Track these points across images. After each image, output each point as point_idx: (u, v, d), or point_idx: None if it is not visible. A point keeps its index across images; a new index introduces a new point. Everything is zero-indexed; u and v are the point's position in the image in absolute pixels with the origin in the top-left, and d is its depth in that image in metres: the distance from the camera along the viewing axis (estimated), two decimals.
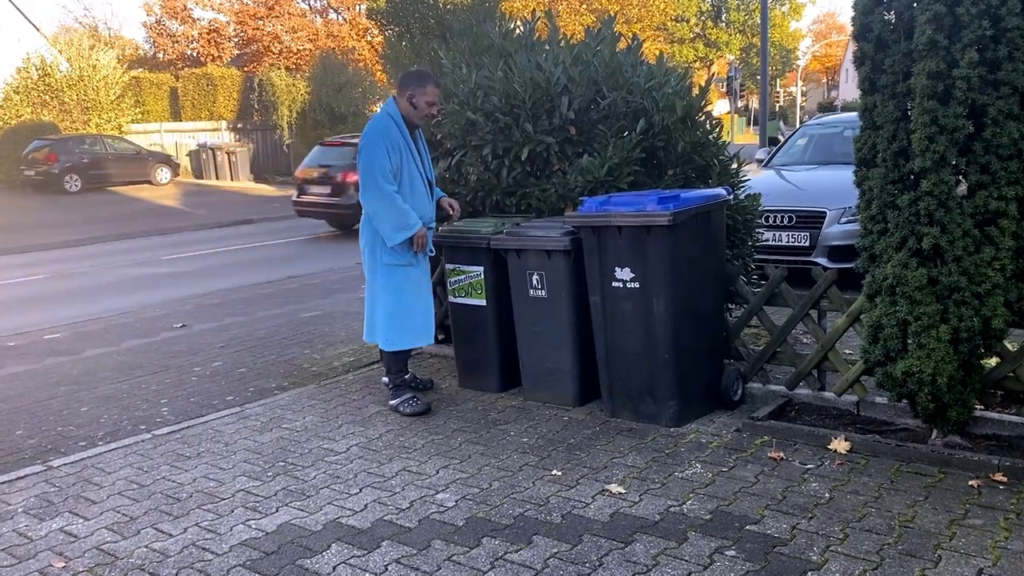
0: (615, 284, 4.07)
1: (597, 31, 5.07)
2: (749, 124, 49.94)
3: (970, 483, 3.24)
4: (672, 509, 3.18)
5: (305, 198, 14.13)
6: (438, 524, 3.18)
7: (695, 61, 49.54)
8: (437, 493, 3.46)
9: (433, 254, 4.64)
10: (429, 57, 5.68)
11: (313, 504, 3.42)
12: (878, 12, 3.42)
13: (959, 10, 3.16)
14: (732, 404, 4.26)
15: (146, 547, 3.14)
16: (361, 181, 4.37)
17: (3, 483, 3.85)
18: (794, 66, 60.36)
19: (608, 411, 4.25)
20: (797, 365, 4.22)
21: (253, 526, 3.26)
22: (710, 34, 53.24)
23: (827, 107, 46.93)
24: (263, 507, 3.43)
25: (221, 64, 31.96)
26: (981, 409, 3.68)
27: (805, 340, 5.32)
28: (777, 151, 9.43)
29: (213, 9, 34.82)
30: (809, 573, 2.68)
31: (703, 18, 53.64)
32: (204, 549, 3.09)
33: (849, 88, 50.36)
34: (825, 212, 7.09)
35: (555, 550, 2.92)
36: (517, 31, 5.36)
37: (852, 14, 3.51)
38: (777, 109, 47.90)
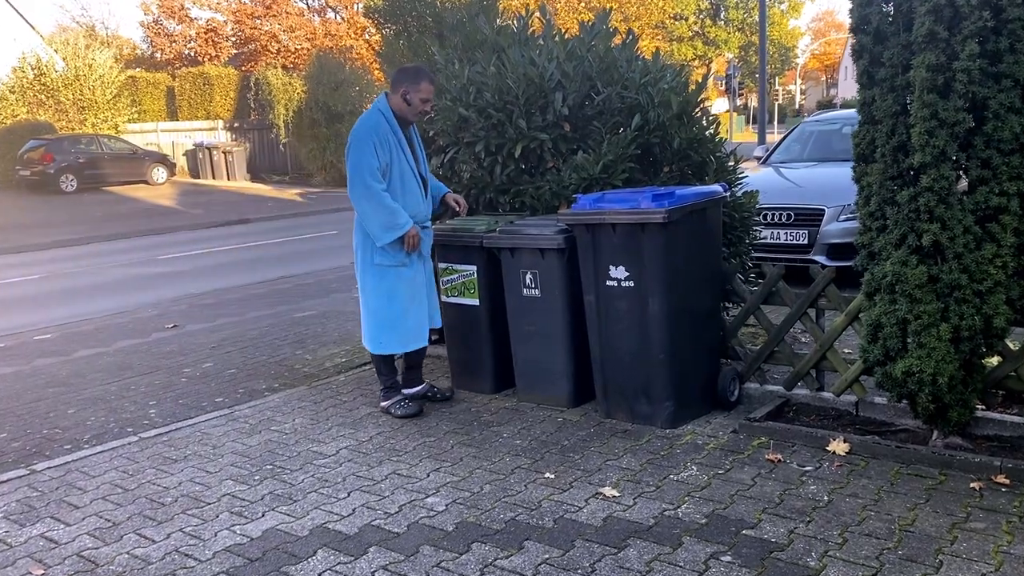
0: (610, 283, 3.99)
1: (591, 26, 4.99)
2: (748, 122, 49.89)
3: (972, 485, 3.17)
4: (667, 513, 3.11)
5: None
6: (427, 529, 3.10)
7: (694, 59, 49.58)
8: (427, 497, 3.38)
9: (426, 254, 4.56)
10: (426, 55, 5.61)
11: (300, 509, 3.35)
12: (876, 3, 3.35)
13: (959, 1, 3.09)
14: (729, 405, 4.19)
15: (128, 553, 3.06)
16: (349, 179, 4.29)
17: None
18: (793, 64, 60.42)
19: (603, 412, 4.18)
20: (795, 365, 4.15)
21: (238, 531, 3.18)
22: (709, 32, 53.27)
23: (826, 105, 46.93)
24: (249, 512, 3.35)
25: (218, 64, 31.87)
26: (982, 409, 3.61)
27: (803, 339, 5.25)
28: (775, 148, 9.38)
29: (211, 8, 34.77)
30: None
31: (701, 16, 53.70)
32: (187, 555, 3.02)
33: (848, 86, 50.36)
34: (823, 210, 7.03)
35: (546, 556, 2.85)
36: (511, 27, 5.28)
37: (850, 6, 3.44)
38: (795, 107, 47.68)
